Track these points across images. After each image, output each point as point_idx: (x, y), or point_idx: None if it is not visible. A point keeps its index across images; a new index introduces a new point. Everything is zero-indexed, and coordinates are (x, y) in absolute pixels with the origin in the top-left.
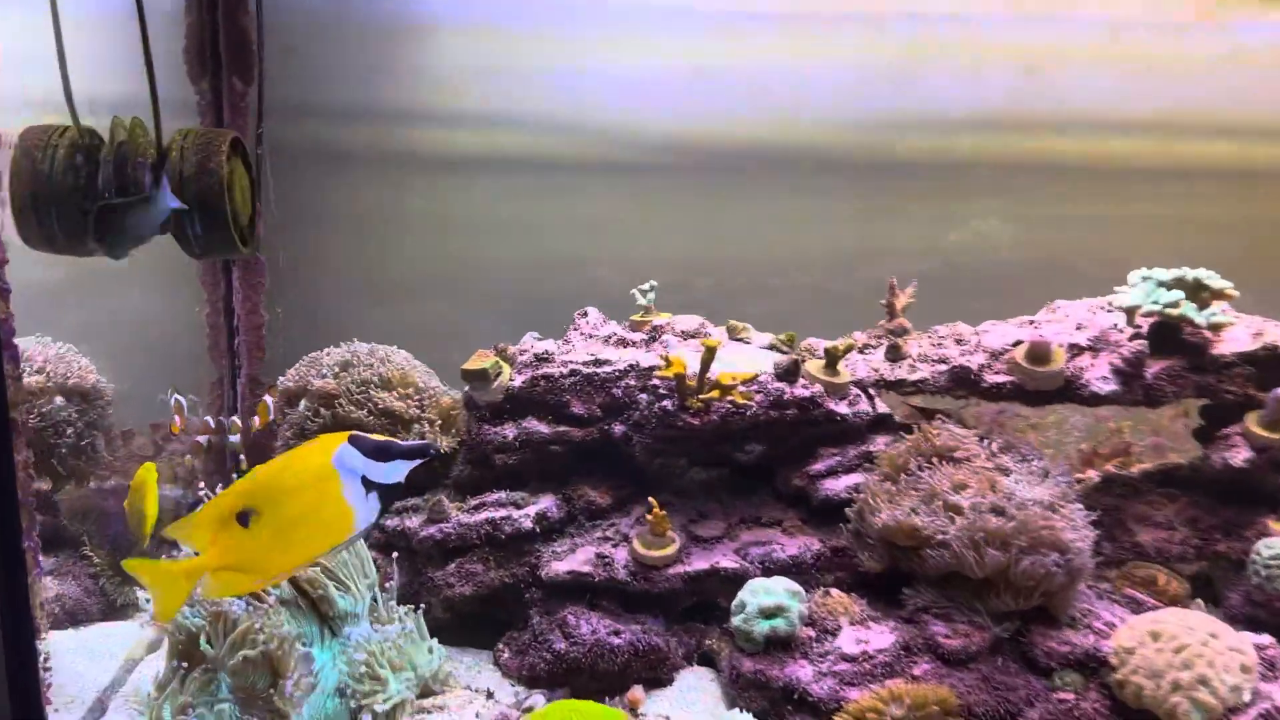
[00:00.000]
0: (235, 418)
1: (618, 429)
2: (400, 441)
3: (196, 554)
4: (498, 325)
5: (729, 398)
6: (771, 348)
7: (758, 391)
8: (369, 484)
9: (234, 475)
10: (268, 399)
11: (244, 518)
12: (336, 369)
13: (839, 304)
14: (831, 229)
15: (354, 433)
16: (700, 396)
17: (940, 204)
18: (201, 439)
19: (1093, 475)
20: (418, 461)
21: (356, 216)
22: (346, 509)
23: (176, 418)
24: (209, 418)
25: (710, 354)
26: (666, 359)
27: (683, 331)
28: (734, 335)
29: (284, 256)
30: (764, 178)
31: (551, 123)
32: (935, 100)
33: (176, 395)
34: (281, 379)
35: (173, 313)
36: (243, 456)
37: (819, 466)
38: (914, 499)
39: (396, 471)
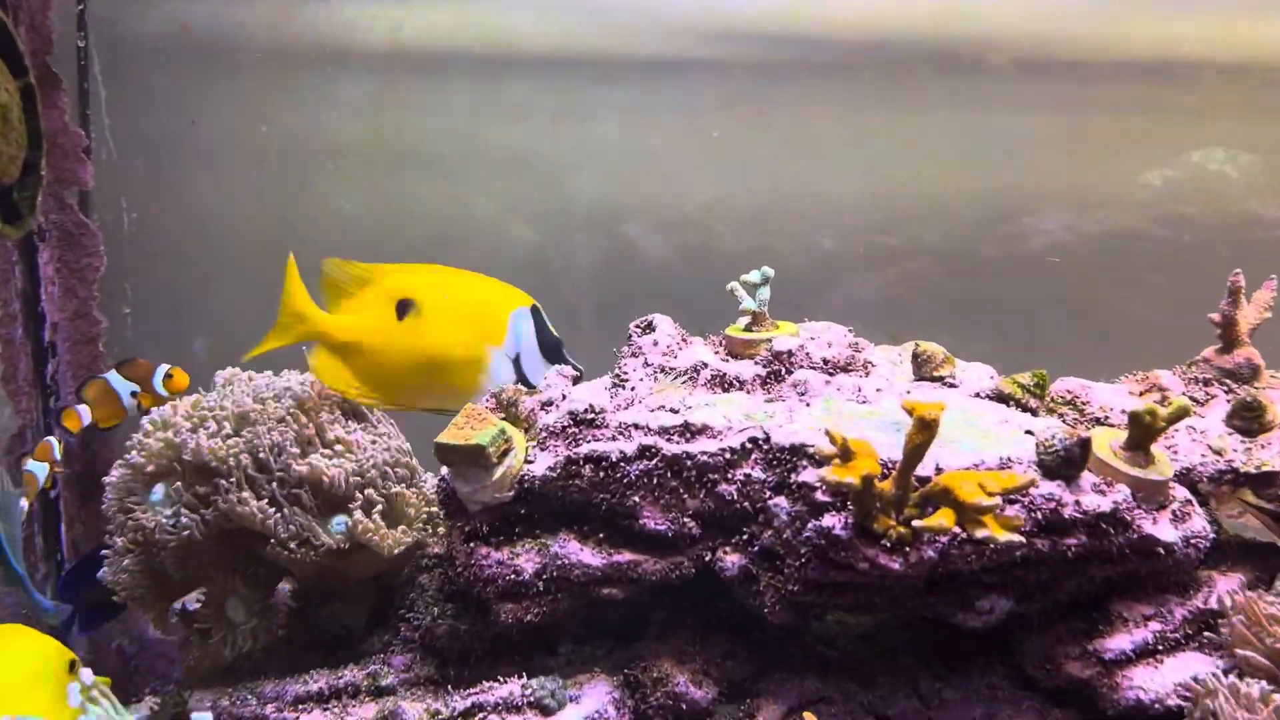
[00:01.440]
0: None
1: (730, 561)
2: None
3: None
4: None
5: (977, 530)
6: (1003, 399)
7: (1012, 501)
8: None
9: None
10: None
11: (403, 309)
12: (226, 423)
13: (976, 279)
14: (975, 159)
15: (537, 305)
16: (916, 523)
17: (1148, 128)
18: None
19: None
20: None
21: (256, 150)
22: (482, 367)
23: None
24: None
25: (927, 435)
26: (843, 446)
27: (824, 361)
28: (924, 372)
29: (132, 220)
30: (899, 84)
31: None
32: None
33: None
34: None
35: None
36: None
37: (1121, 643)
38: None
39: (539, 371)
